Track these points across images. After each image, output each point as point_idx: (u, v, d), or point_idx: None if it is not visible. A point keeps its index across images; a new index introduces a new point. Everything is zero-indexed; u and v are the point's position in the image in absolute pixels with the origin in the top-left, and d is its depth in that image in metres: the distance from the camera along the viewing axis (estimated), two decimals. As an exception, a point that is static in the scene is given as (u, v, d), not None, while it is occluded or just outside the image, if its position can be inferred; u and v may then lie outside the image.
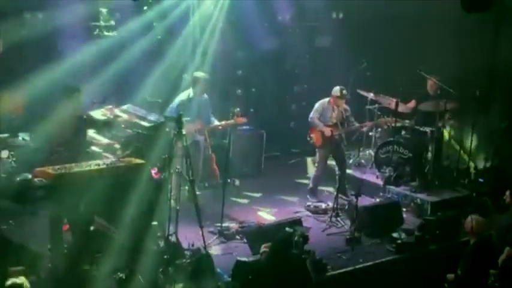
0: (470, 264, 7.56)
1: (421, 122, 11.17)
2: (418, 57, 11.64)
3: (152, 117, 8.25)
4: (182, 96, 9.75)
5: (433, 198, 10.29)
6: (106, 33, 10.55)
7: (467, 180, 10.98)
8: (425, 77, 11.17)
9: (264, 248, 7.27)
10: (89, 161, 7.50)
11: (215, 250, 8.39)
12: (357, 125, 10.70)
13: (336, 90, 10.25)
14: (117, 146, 8.17)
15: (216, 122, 10.08)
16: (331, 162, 10.79)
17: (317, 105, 10.49)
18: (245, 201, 10.49)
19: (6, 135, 9.64)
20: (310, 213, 9.98)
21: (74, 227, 7.71)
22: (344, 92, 10.27)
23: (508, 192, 8.66)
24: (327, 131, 10.31)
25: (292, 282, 6.77)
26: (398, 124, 11.12)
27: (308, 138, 10.59)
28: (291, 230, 7.32)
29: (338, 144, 10.39)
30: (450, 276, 7.84)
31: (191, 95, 9.69)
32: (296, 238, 7.21)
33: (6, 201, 7.49)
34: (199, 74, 9.85)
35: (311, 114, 10.45)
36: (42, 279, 7.19)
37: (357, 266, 8.28)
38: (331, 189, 10.72)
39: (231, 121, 10.10)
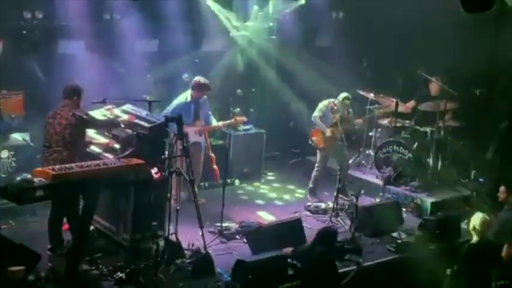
0: (470, 261, 7.56)
1: (421, 122, 11.18)
2: (418, 57, 11.63)
3: (152, 117, 8.23)
4: (180, 98, 9.75)
5: (433, 198, 10.32)
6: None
7: (467, 180, 10.98)
8: (426, 77, 11.18)
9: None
10: (89, 161, 7.50)
11: (215, 250, 8.38)
12: (354, 122, 10.79)
13: (340, 96, 10.37)
14: (117, 146, 8.15)
15: (215, 121, 10.09)
16: (332, 163, 10.80)
17: (320, 105, 10.54)
18: (245, 201, 10.49)
19: (6, 135, 9.65)
20: (310, 213, 9.98)
21: (74, 226, 7.72)
22: (346, 101, 10.38)
23: (501, 189, 8.69)
24: (328, 131, 10.35)
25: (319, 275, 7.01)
26: (398, 124, 11.14)
27: (310, 142, 10.63)
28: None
29: (339, 144, 10.40)
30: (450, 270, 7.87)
31: (189, 98, 9.69)
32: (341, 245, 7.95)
33: (6, 201, 7.48)
34: (201, 80, 9.78)
35: (314, 114, 10.51)
36: (42, 279, 7.20)
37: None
38: (331, 189, 10.70)
39: (231, 121, 10.17)
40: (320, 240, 7.30)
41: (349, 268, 8.01)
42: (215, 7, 11.46)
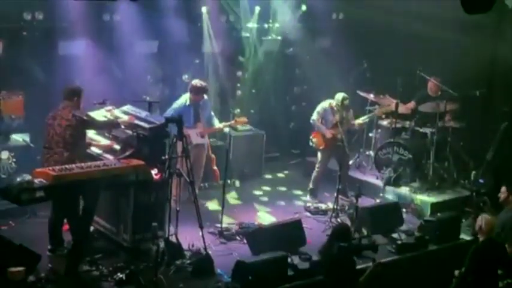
0: (477, 262, 7.58)
1: (421, 123, 11.18)
2: (418, 58, 11.63)
3: (152, 118, 8.23)
4: (180, 101, 9.76)
5: (433, 199, 10.32)
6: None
7: (467, 181, 10.98)
8: (426, 78, 11.18)
9: None
10: (89, 162, 7.50)
11: (215, 251, 8.39)
12: (352, 122, 10.75)
13: (338, 98, 10.33)
14: (117, 147, 8.16)
15: (217, 122, 10.09)
16: (332, 163, 10.79)
17: (319, 107, 10.55)
18: (245, 202, 10.49)
19: (6, 135, 9.66)
20: (310, 214, 9.98)
21: (74, 227, 7.72)
22: (345, 101, 10.34)
23: (502, 189, 8.70)
24: (328, 133, 10.35)
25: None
26: (398, 125, 11.14)
27: (311, 144, 10.62)
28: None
29: (340, 145, 10.40)
30: (457, 272, 7.89)
31: (188, 102, 9.70)
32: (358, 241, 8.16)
33: (6, 201, 7.48)
34: (198, 83, 9.75)
35: (313, 116, 10.52)
36: (42, 280, 7.20)
37: (357, 267, 8.27)
38: (331, 190, 10.70)
39: (232, 122, 10.18)
40: (337, 236, 7.31)
41: (364, 265, 8.01)
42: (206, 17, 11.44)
